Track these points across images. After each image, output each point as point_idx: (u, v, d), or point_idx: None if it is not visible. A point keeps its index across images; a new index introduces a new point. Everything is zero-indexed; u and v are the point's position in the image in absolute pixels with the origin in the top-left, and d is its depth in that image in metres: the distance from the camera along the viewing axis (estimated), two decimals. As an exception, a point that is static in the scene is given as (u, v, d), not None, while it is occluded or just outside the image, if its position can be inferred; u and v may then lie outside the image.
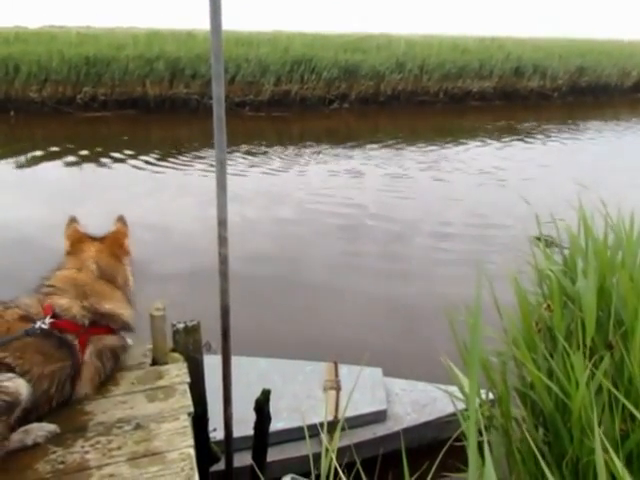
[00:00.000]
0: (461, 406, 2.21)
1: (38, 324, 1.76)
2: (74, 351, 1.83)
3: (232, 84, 13.70)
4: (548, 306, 2.11)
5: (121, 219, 2.20)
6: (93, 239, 2.12)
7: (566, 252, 2.55)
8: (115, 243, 2.12)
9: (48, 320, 1.78)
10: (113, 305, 1.98)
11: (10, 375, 1.63)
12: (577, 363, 1.69)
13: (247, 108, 13.98)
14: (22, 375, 1.67)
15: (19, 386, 1.63)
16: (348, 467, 1.54)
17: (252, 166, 9.16)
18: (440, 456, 1.68)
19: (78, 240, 2.10)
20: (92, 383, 1.91)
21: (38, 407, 1.75)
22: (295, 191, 7.88)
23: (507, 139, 12.23)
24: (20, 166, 9.02)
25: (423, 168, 9.43)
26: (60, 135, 11.57)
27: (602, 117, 15.87)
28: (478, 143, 11.79)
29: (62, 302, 1.87)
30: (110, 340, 1.97)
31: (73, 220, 2.16)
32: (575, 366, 1.69)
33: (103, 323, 1.93)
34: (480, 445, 1.26)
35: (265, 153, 10.23)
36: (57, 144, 10.30)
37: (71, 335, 1.83)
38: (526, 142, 11.98)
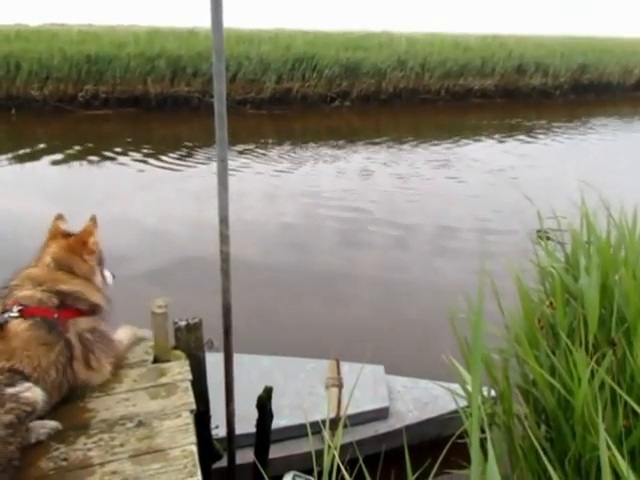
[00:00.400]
0: (463, 403, 2.21)
1: (7, 314, 1.77)
2: (61, 330, 1.84)
3: (233, 82, 13.69)
4: (550, 303, 2.11)
5: (92, 219, 2.18)
6: (64, 236, 2.11)
7: (568, 249, 2.55)
8: (78, 241, 2.09)
9: (16, 308, 1.79)
10: (71, 286, 1.96)
11: (28, 385, 1.66)
12: (579, 360, 1.69)
13: (248, 106, 13.97)
14: (32, 373, 1.69)
15: (37, 395, 1.67)
16: (350, 464, 1.54)
17: (252, 165, 9.14)
18: (443, 453, 1.68)
19: (52, 237, 2.10)
20: (87, 363, 1.91)
21: (50, 401, 1.76)
22: (295, 190, 7.87)
23: (509, 137, 12.20)
24: (20, 164, 9.02)
25: (425, 166, 9.41)
26: (61, 133, 11.58)
27: (604, 115, 15.82)
28: (479, 141, 11.77)
29: (23, 293, 1.87)
30: (85, 322, 1.94)
31: (59, 217, 2.17)
32: (577, 363, 1.69)
33: (69, 303, 1.92)
34: (482, 442, 1.26)
35: (266, 151, 10.22)
36: (58, 142, 10.31)
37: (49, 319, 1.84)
38: (528, 141, 11.95)
